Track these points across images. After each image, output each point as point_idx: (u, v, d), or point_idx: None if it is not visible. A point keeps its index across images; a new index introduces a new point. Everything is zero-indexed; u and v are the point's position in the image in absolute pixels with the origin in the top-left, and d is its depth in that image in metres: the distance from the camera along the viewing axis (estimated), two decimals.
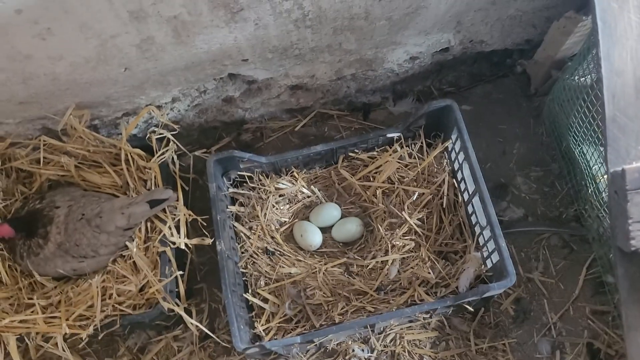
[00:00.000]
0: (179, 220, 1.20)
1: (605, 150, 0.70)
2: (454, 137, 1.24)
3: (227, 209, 1.26)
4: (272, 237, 1.28)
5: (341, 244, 1.32)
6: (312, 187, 1.34)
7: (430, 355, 1.23)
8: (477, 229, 1.20)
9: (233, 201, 1.31)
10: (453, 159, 1.27)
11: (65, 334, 1.10)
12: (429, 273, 1.20)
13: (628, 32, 0.71)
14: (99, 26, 0.96)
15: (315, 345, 1.21)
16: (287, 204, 1.33)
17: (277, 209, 1.31)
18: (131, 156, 1.23)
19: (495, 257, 1.12)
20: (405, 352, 1.23)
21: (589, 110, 1.05)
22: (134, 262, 1.19)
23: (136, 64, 1.09)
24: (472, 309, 1.19)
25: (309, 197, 1.34)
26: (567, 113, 1.26)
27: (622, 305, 0.70)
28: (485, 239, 1.16)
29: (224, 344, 1.26)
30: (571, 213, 1.34)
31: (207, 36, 1.06)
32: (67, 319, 1.12)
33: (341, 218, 1.32)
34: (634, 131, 0.69)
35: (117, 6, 0.92)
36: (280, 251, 1.27)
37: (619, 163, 0.67)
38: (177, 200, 1.20)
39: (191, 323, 1.16)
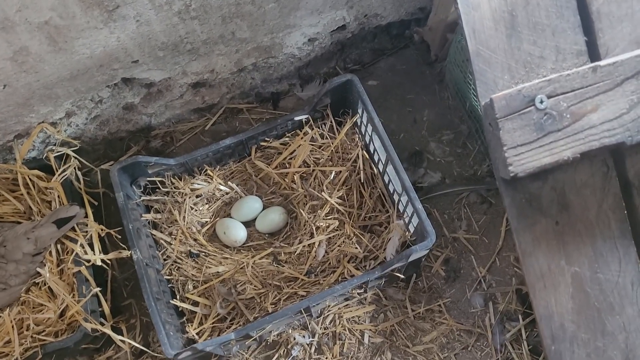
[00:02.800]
0: (91, 236, 1.15)
1: (475, 85, 0.72)
2: (360, 110, 1.25)
3: (142, 218, 1.21)
4: (195, 239, 1.25)
5: (267, 235, 1.30)
6: (229, 182, 1.31)
7: (370, 329, 1.23)
8: (396, 197, 1.21)
9: (148, 209, 1.27)
10: (364, 133, 1.28)
11: None
12: (356, 248, 1.20)
13: None
14: None
15: (255, 339, 1.18)
16: (206, 203, 1.30)
17: (195, 210, 1.28)
18: (30, 179, 1.16)
19: (415, 221, 1.13)
20: (345, 330, 1.23)
21: None
22: (49, 287, 1.13)
23: (15, 79, 1.03)
24: (403, 277, 1.20)
25: (227, 193, 1.31)
26: (464, 73, 1.29)
27: (514, 233, 0.72)
28: (404, 205, 1.17)
29: (160, 356, 1.21)
30: (485, 169, 1.38)
31: (87, 40, 1.01)
32: None
33: (263, 209, 1.30)
34: (498, 62, 0.71)
35: None
36: (205, 252, 1.24)
37: (488, 95, 0.68)
38: (86, 217, 1.15)
39: (121, 340, 1.11)
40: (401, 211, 1.20)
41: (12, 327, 1.07)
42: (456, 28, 1.36)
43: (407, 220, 1.19)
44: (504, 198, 0.71)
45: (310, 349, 1.22)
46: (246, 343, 1.18)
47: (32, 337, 1.08)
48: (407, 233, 1.19)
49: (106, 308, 1.15)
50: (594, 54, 0.71)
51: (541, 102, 0.66)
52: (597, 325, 0.72)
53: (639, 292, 0.72)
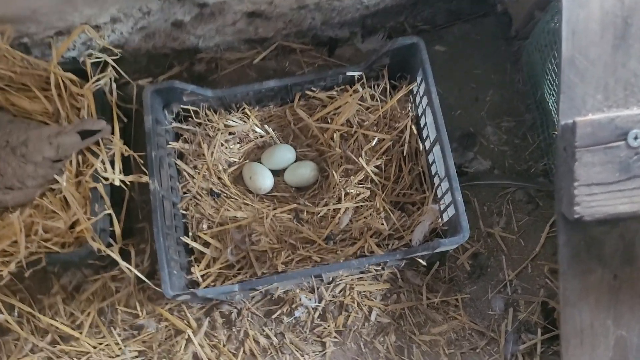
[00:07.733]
0: (114, 155, 1.10)
1: (558, 98, 0.60)
2: (419, 79, 1.14)
3: (169, 145, 1.16)
4: (219, 178, 1.19)
5: (294, 188, 1.24)
6: (265, 126, 1.24)
7: (379, 307, 1.18)
8: (437, 180, 1.12)
9: (177, 137, 1.21)
10: (417, 104, 1.17)
11: None
12: (383, 224, 1.12)
13: None
14: None
15: (260, 292, 1.15)
16: (238, 143, 1.23)
17: (226, 147, 1.22)
18: (62, 81, 1.11)
19: (451, 211, 1.05)
20: (354, 303, 1.18)
21: None
22: (64, 197, 1.10)
23: None
24: (425, 263, 1.13)
25: (262, 137, 1.24)
26: (544, 59, 1.16)
27: (560, 277, 0.63)
28: (443, 191, 1.08)
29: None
30: (540, 167, 1.26)
31: None
32: None
33: (295, 161, 1.23)
34: (594, 77, 0.59)
35: None
36: (226, 193, 1.19)
37: (573, 114, 0.57)
38: (113, 133, 1.10)
39: (126, 267, 1.09)
40: (439, 196, 1.11)
41: (21, 229, 1.05)
42: (547, 6, 1.21)
43: (442, 207, 1.10)
44: (559, 235, 0.61)
45: (315, 313, 1.18)
46: (251, 294, 1.15)
47: (38, 242, 1.06)
48: (439, 220, 1.11)
49: (117, 229, 1.12)
50: None
51: (635, 138, 0.55)
52: None
53: None
